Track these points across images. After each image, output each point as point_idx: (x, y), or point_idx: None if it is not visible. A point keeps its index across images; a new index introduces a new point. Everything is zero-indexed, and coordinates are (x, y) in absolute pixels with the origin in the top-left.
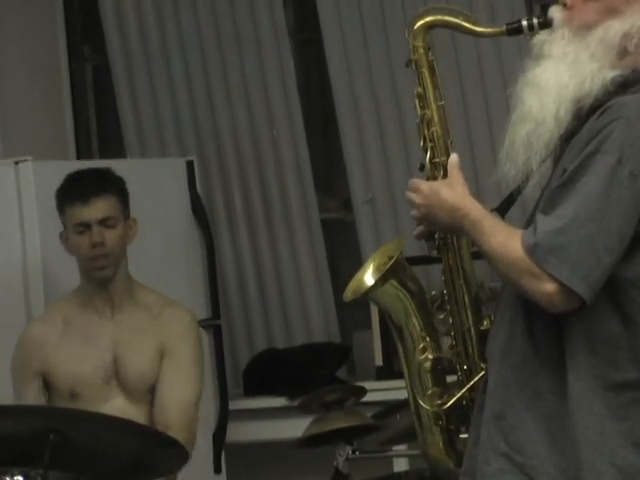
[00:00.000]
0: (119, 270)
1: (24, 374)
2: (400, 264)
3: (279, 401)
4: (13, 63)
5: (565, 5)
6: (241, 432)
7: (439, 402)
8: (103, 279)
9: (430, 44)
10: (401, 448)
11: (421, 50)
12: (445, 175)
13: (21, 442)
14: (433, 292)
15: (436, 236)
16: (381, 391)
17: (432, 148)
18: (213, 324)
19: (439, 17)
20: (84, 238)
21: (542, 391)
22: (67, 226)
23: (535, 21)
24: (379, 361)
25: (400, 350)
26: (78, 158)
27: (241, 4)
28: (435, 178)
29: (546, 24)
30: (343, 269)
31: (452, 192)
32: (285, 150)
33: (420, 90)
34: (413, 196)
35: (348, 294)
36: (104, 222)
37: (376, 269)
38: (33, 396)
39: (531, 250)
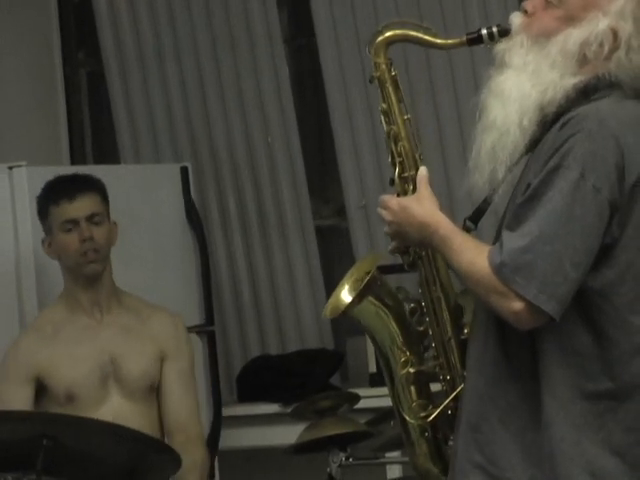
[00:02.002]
0: (106, 271)
1: (13, 379)
2: (375, 280)
3: (272, 407)
4: (8, 68)
5: (526, 12)
6: (234, 438)
7: (423, 414)
8: (94, 274)
9: (392, 59)
10: (394, 455)
11: (383, 66)
12: (415, 189)
13: (14, 447)
14: (412, 304)
15: (410, 250)
16: (374, 398)
17: (401, 163)
18: (207, 330)
19: (399, 32)
20: (72, 235)
21: (516, 403)
22: (52, 228)
23: (495, 29)
24: (373, 368)
25: (382, 365)
26: (72, 164)
27: (236, 11)
28: (405, 192)
29: (506, 32)
30: (337, 275)
31: (420, 208)
32: (279, 156)
33: (385, 106)
34: (384, 213)
35: (327, 312)
36: (91, 218)
37: (352, 286)
38: (22, 403)
39: (497, 269)
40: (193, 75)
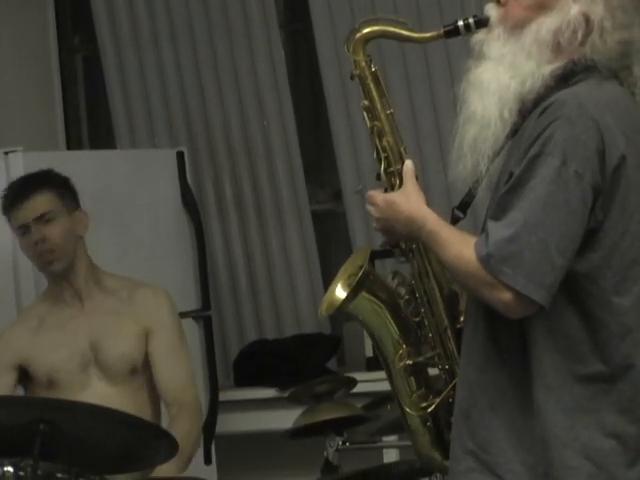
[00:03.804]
0: (76, 261)
1: None
2: (368, 274)
3: (269, 392)
4: (3, 53)
5: (499, 2)
6: (231, 423)
7: (424, 405)
8: (55, 274)
9: (371, 55)
10: (391, 439)
11: (363, 63)
12: (402, 183)
13: (11, 433)
14: (406, 296)
15: (401, 243)
16: (371, 382)
17: (386, 158)
18: (203, 315)
19: (376, 28)
20: (27, 239)
21: (506, 389)
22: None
23: (471, 21)
24: (369, 352)
25: (380, 358)
26: (68, 148)
27: None
28: (393, 187)
29: (482, 22)
30: (333, 260)
31: (407, 203)
32: (275, 141)
33: (367, 103)
34: (371, 209)
35: (322, 309)
36: (41, 219)
37: (346, 282)
38: (5, 389)
39: (484, 260)
40: (189, 60)
